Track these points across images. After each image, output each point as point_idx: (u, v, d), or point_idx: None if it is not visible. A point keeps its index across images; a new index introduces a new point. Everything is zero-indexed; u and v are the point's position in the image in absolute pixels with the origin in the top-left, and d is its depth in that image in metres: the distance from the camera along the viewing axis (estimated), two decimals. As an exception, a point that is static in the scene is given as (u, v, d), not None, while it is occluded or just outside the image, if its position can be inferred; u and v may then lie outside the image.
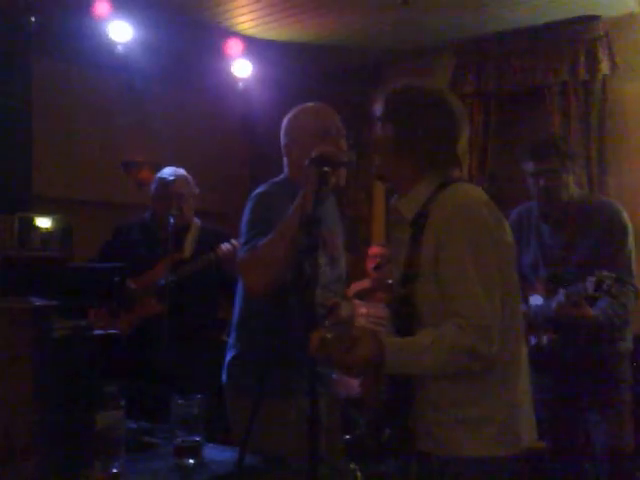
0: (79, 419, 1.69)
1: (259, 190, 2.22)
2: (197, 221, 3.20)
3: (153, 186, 3.18)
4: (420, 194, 1.73)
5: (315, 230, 1.70)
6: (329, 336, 1.57)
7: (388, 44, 4.84)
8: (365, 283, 4.55)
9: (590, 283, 2.59)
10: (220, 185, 5.20)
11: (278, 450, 1.95)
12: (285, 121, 2.28)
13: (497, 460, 1.65)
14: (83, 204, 4.82)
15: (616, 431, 2.86)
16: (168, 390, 1.89)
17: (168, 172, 3.17)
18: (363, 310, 3.93)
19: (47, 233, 5.04)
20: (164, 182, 3.13)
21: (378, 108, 1.80)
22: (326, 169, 1.88)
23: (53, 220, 5.08)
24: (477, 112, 4.75)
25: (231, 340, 2.26)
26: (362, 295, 4.40)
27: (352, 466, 3.38)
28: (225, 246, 2.90)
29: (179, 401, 1.80)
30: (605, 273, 2.57)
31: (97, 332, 1.85)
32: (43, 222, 4.99)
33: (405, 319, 1.68)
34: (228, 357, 2.25)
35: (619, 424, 2.87)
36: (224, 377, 2.24)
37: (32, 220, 4.86)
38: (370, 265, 4.54)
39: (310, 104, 2.28)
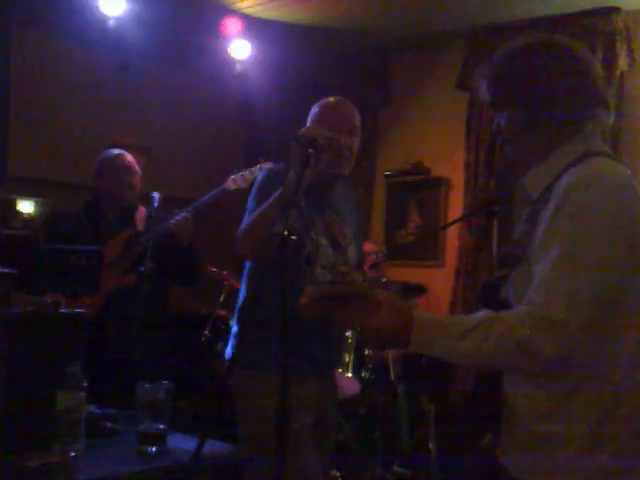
0: (39, 398, 1.75)
1: (272, 167, 2.46)
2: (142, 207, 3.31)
3: (98, 163, 3.25)
4: (552, 167, 1.54)
5: (294, 214, 1.75)
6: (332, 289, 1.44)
7: (395, 30, 4.90)
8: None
9: None
10: (210, 172, 5.25)
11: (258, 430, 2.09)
12: None
13: None
14: (65, 186, 4.87)
15: None
16: (133, 375, 1.94)
17: (112, 149, 3.31)
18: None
19: (28, 217, 5.13)
20: (112, 155, 3.23)
21: (486, 93, 1.64)
22: (310, 150, 1.93)
23: (36, 203, 5.17)
24: (489, 109, 4.78)
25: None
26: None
27: (334, 473, 3.44)
28: (177, 218, 3.03)
29: (146, 386, 1.86)
30: None
31: (62, 311, 1.92)
32: (25, 206, 5.08)
33: (492, 306, 1.51)
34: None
35: None
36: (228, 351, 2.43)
37: (14, 203, 4.95)
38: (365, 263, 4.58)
39: (332, 98, 2.40)
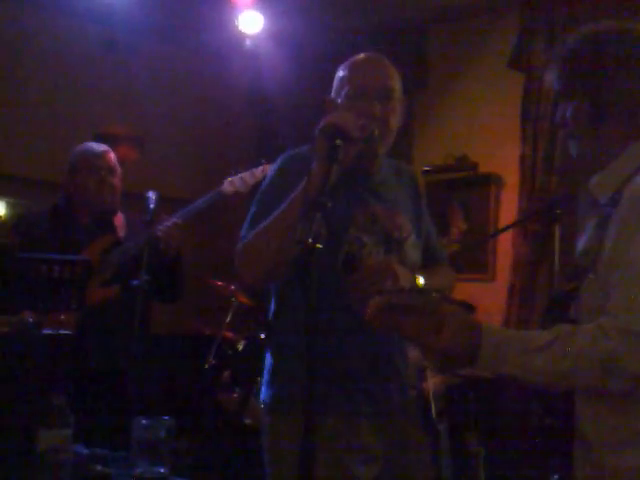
0: (17, 436, 1.75)
1: (292, 151, 2.29)
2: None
3: (75, 158, 3.28)
4: (621, 168, 1.63)
5: (319, 218, 1.72)
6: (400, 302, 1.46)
7: (435, -1, 4.91)
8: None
9: None
10: (214, 169, 5.24)
11: None
12: None
13: None
14: (43, 185, 4.90)
15: None
16: (127, 410, 1.94)
17: (93, 144, 3.36)
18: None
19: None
20: (96, 152, 3.26)
21: (555, 81, 1.74)
22: (338, 142, 1.92)
23: (7, 205, 5.22)
24: (550, 96, 4.77)
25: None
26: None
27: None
28: (165, 224, 3.05)
29: (142, 422, 1.86)
30: None
31: (46, 331, 1.92)
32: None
33: (561, 320, 1.59)
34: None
35: None
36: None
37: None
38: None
39: (362, 55, 2.28)
